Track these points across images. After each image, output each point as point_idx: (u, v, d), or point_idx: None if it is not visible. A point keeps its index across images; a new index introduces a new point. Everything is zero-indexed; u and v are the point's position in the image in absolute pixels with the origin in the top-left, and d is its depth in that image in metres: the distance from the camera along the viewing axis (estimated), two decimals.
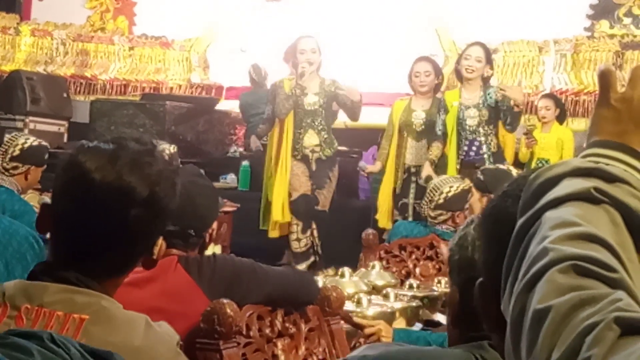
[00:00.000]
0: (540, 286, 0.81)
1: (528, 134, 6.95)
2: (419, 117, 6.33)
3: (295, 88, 6.24)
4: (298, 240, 6.27)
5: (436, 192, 4.21)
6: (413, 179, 6.31)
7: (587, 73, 7.96)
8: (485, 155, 5.94)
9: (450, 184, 4.26)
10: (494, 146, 5.99)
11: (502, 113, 5.92)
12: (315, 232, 6.28)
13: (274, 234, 6.41)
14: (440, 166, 6.03)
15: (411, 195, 6.27)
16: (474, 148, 5.99)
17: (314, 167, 6.32)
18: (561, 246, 0.82)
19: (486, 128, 5.98)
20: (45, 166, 4.35)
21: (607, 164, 0.93)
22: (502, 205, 1.07)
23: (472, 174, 5.61)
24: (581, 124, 7.74)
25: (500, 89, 6.01)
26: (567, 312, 0.77)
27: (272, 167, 6.44)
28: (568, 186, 0.88)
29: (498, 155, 5.95)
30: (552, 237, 0.83)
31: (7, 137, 4.30)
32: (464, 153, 6.00)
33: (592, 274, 0.80)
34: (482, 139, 5.97)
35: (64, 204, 1.51)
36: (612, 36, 8.10)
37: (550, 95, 7.50)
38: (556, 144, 6.99)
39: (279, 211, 6.28)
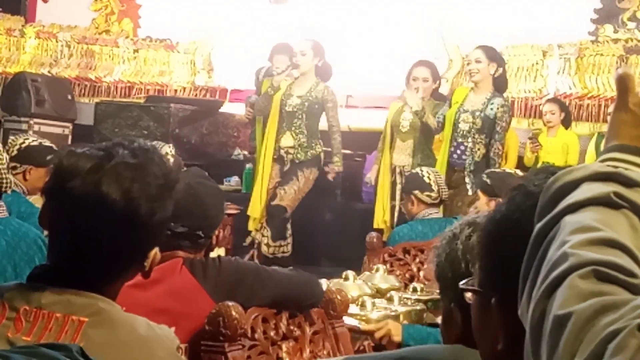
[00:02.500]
0: (560, 292, 0.80)
1: (533, 138, 6.95)
2: (406, 118, 6.31)
3: (269, 88, 6.38)
4: (267, 245, 6.34)
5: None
6: (399, 179, 6.28)
7: (591, 77, 7.95)
8: (467, 162, 5.86)
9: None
10: (479, 156, 5.87)
11: (495, 130, 5.85)
12: (288, 247, 6.34)
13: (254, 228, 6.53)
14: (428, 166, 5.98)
15: (397, 197, 6.26)
16: (458, 152, 5.95)
17: (286, 168, 6.38)
18: (581, 251, 0.82)
19: (476, 136, 5.88)
20: (48, 167, 4.34)
21: (627, 169, 0.92)
22: (513, 218, 1.05)
23: (451, 176, 5.69)
24: (585, 128, 7.73)
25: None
26: (589, 318, 0.76)
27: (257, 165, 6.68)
28: (587, 190, 0.88)
29: (480, 165, 5.76)
30: (572, 242, 0.83)
31: (11, 138, 4.31)
32: (450, 154, 5.98)
33: (613, 279, 0.79)
34: (470, 145, 5.89)
35: (50, 209, 1.51)
36: (616, 40, 8.09)
37: (555, 100, 7.49)
38: (561, 148, 6.99)
39: (257, 209, 6.43)
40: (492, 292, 1.06)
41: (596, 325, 0.76)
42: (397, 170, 6.32)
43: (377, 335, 2.93)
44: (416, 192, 4.54)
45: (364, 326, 2.99)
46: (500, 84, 5.99)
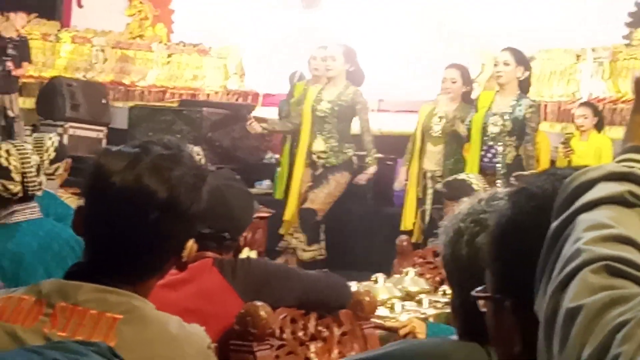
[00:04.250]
0: (572, 285, 0.82)
1: (565, 142, 6.90)
2: (437, 123, 6.30)
3: (302, 95, 6.46)
4: (304, 250, 6.38)
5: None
6: (430, 184, 6.26)
7: (625, 81, 7.88)
8: (499, 165, 5.85)
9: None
10: (511, 158, 5.86)
11: (526, 132, 5.84)
12: (322, 252, 6.37)
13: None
14: (458, 171, 5.96)
15: (428, 202, 6.25)
16: (489, 155, 5.93)
17: (317, 173, 6.42)
18: (594, 247, 0.84)
19: (507, 138, 5.87)
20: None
21: None
22: (518, 220, 1.06)
23: (490, 181, 5.66)
24: (619, 132, 7.65)
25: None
26: (599, 310, 0.79)
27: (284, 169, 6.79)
28: (602, 190, 0.90)
29: (514, 167, 5.77)
30: (585, 239, 0.85)
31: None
32: (481, 158, 5.96)
33: (623, 274, 0.81)
34: (500, 148, 5.88)
35: (90, 207, 1.54)
36: None
37: (588, 104, 7.43)
38: (594, 152, 6.93)
39: (290, 212, 6.50)
40: (505, 296, 1.07)
41: (606, 317, 0.78)
42: (428, 175, 6.30)
43: (402, 332, 2.93)
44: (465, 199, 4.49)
45: (388, 323, 3.00)
46: (525, 87, 6.00)
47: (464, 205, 1.56)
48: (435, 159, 6.30)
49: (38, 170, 3.04)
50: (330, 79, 6.41)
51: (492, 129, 5.89)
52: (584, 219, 0.88)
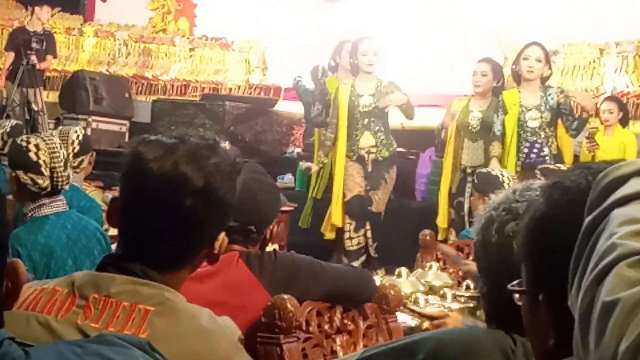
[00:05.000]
0: (609, 279, 0.83)
1: (590, 137, 6.86)
2: (475, 118, 6.29)
3: (351, 91, 6.33)
4: (350, 238, 6.31)
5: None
6: (469, 179, 6.27)
7: None
8: (547, 158, 5.89)
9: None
10: (555, 148, 5.95)
11: (565, 117, 5.89)
12: (368, 234, 6.31)
13: (330, 235, 6.45)
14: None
15: (467, 195, 6.24)
16: (534, 150, 5.93)
17: (369, 168, 6.34)
18: (629, 241, 0.84)
19: (547, 130, 5.93)
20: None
21: None
22: (552, 214, 1.08)
23: (533, 176, 5.60)
24: None
25: (569, 95, 5.95)
26: (635, 304, 0.79)
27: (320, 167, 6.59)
28: (635, 185, 0.90)
29: (558, 157, 5.90)
30: (620, 233, 0.85)
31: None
32: (525, 155, 5.95)
33: None
34: (543, 141, 5.92)
35: (126, 194, 1.55)
36: None
37: (613, 98, 7.38)
38: (619, 147, 6.89)
39: (337, 215, 6.35)
40: (539, 289, 1.08)
41: None
42: (468, 170, 6.27)
43: (435, 323, 2.95)
44: (492, 195, 4.49)
45: (427, 311, 3.01)
46: (544, 81, 6.05)
47: (500, 195, 1.57)
48: (475, 155, 6.29)
49: (66, 164, 3.07)
50: (367, 73, 6.34)
51: (531, 124, 5.91)
52: (618, 213, 0.88)
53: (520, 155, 5.95)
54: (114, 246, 2.24)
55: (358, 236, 6.30)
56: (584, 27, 8.19)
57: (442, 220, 6.35)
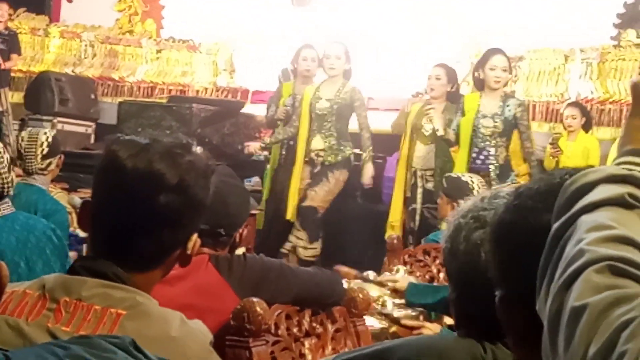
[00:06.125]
0: (577, 285, 0.84)
1: (554, 143, 6.94)
2: (427, 122, 6.30)
3: (293, 94, 6.55)
4: (305, 248, 6.39)
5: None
6: (420, 183, 6.31)
7: (613, 82, 7.94)
8: (492, 167, 5.91)
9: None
10: (502, 159, 5.96)
11: (520, 131, 5.95)
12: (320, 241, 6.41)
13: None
14: (447, 170, 5.99)
15: (419, 200, 6.28)
16: (481, 157, 5.97)
17: (316, 170, 6.45)
18: (597, 247, 0.86)
19: (498, 139, 5.95)
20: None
21: None
22: (517, 219, 1.11)
23: None
24: (607, 132, 7.72)
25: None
26: (604, 309, 0.81)
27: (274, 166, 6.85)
28: (603, 192, 0.92)
29: (505, 168, 5.91)
30: (588, 239, 0.87)
31: (23, 140, 4.21)
32: (472, 160, 5.99)
33: (626, 273, 0.83)
34: (492, 149, 5.95)
35: (100, 193, 1.55)
36: (638, 45, 8.07)
37: (577, 104, 7.48)
38: (582, 152, 6.98)
39: (291, 211, 6.52)
40: (507, 292, 1.12)
41: (610, 316, 0.80)
42: (419, 174, 6.32)
43: (415, 332, 2.97)
44: (461, 201, 4.52)
45: (404, 320, 3.03)
46: (505, 92, 6.16)
47: (468, 202, 1.59)
48: (425, 158, 6.33)
49: (9, 168, 2.99)
50: (331, 77, 6.44)
51: (484, 131, 5.95)
52: (586, 220, 0.90)
53: (469, 159, 6.00)
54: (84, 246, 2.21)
55: (313, 248, 6.36)
56: (549, 33, 8.28)
57: (395, 224, 6.37)
